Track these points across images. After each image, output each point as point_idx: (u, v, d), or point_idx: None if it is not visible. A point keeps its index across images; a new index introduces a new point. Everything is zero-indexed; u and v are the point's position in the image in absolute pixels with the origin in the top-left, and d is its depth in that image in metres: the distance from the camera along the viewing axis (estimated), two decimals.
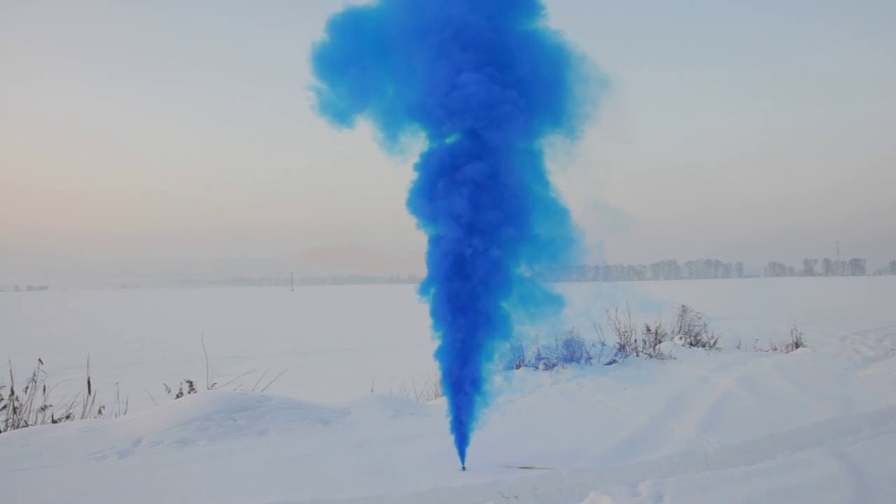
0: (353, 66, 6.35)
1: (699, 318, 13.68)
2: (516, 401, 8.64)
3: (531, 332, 11.22)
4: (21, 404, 7.42)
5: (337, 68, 6.39)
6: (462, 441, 5.71)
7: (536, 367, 10.86)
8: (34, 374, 7.63)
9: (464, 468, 5.55)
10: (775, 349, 13.59)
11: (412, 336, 23.63)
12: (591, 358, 11.44)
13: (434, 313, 5.76)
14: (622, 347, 12.19)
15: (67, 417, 7.58)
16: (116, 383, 9.49)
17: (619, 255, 12.57)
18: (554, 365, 10.93)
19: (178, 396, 8.18)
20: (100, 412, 7.93)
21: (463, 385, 5.69)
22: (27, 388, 7.56)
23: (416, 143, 6.35)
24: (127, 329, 31.23)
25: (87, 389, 8.00)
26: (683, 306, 13.65)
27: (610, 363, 11.33)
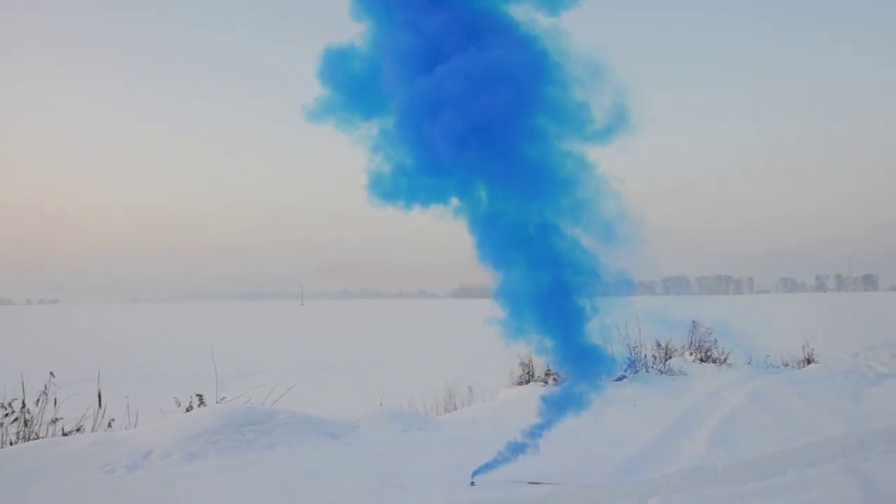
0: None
1: (710, 333, 13.60)
2: (525, 416, 8.61)
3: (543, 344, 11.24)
4: (32, 417, 7.47)
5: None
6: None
7: (546, 383, 10.83)
8: (45, 387, 7.68)
9: (472, 483, 5.54)
10: (787, 365, 13.49)
11: (421, 351, 23.63)
12: (600, 374, 11.38)
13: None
14: (632, 363, 12.14)
15: (78, 430, 7.62)
16: (127, 397, 9.52)
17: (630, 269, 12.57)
18: (563, 380, 10.89)
19: (187, 410, 8.20)
20: (109, 425, 7.97)
21: None
22: (38, 400, 7.60)
23: None
24: (138, 343, 31.36)
25: (97, 402, 8.05)
26: (694, 322, 13.57)
27: (620, 379, 11.28)
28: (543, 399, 6.38)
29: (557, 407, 6.05)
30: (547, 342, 6.15)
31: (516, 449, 5.83)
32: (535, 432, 5.98)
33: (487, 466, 5.71)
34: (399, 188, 9.51)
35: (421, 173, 8.58)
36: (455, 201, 8.83)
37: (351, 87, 9.64)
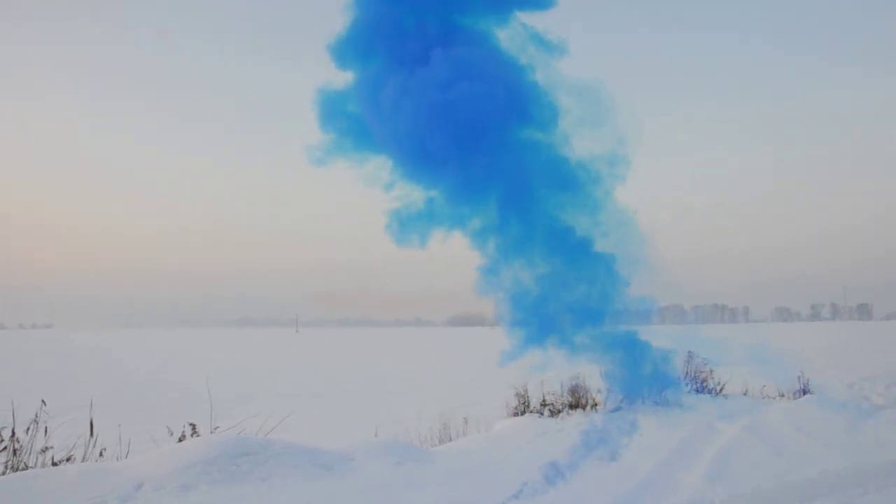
0: None
1: (705, 363, 13.55)
2: (521, 448, 8.56)
3: (537, 377, 11.27)
4: (21, 446, 7.38)
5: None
6: None
7: (542, 414, 10.78)
8: (36, 415, 7.60)
9: None
10: (782, 395, 13.45)
11: (416, 380, 23.51)
12: (596, 404, 11.35)
13: None
14: (629, 393, 12.08)
15: (68, 460, 7.52)
16: (119, 425, 9.43)
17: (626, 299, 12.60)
18: (559, 411, 10.85)
19: (180, 439, 8.12)
20: (101, 455, 7.87)
21: None
22: (28, 429, 7.51)
23: None
24: (131, 369, 31.14)
25: (89, 431, 7.96)
26: (690, 352, 13.53)
27: (616, 410, 11.23)
28: (585, 433, 6.40)
29: (605, 434, 6.05)
30: (608, 364, 6.41)
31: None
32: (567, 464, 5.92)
33: None
34: (419, 222, 9.87)
35: (444, 201, 8.93)
36: (475, 223, 9.24)
37: (352, 129, 9.84)
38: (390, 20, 10.98)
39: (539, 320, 10.55)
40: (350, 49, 11.13)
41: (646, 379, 10.20)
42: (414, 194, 10.69)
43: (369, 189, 10.42)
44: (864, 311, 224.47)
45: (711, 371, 13.43)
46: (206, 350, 51.56)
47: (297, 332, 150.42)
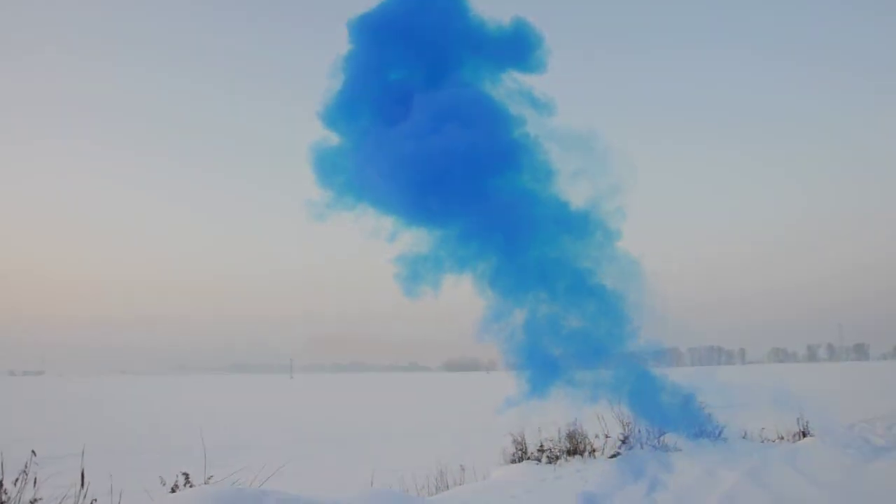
0: None
1: (704, 407, 13.45)
2: (519, 497, 8.44)
3: (534, 422, 11.19)
4: (10, 497, 7.24)
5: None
6: None
7: (539, 461, 10.65)
8: (26, 465, 7.46)
9: None
10: (782, 438, 13.32)
11: (412, 426, 23.27)
12: (594, 450, 11.23)
13: None
14: (625, 439, 11.96)
15: None
16: (111, 475, 9.27)
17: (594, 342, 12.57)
18: (557, 458, 10.72)
19: (173, 490, 7.98)
20: None
21: None
22: (17, 479, 7.37)
23: None
24: (124, 417, 30.78)
25: (80, 481, 7.82)
26: (686, 396, 13.44)
27: (614, 456, 11.10)
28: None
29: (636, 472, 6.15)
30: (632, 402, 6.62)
31: None
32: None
33: None
34: (426, 267, 10.26)
35: (446, 247, 9.32)
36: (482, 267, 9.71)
37: (350, 183, 10.17)
38: (378, 82, 11.39)
39: (543, 362, 10.71)
40: (340, 113, 11.53)
41: (676, 415, 10.45)
42: (419, 243, 11.04)
43: (373, 241, 10.75)
44: (860, 351, 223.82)
45: (710, 414, 13.33)
46: (199, 397, 51.01)
47: (291, 377, 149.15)
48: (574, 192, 11.65)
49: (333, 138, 11.93)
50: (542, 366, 10.88)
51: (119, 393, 60.08)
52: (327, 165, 11.50)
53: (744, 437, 13.22)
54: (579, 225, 11.11)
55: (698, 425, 12.42)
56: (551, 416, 11.21)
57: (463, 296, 11.61)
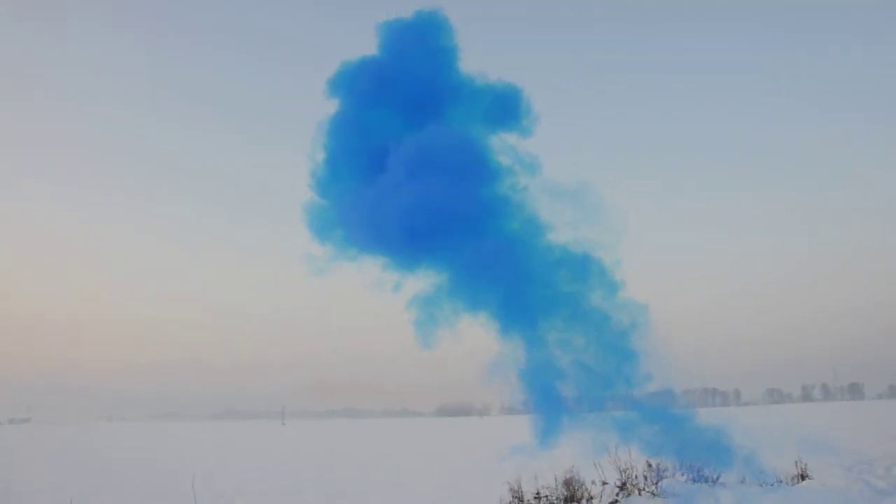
0: None
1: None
2: None
3: (532, 469, 11.09)
4: None
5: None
6: None
7: None
8: None
9: None
10: (780, 482, 13.16)
11: (407, 473, 22.93)
12: (592, 498, 11.07)
13: None
14: (623, 486, 11.79)
15: None
16: None
17: (603, 386, 12.56)
18: None
19: None
20: None
21: None
22: None
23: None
24: (113, 466, 30.28)
25: None
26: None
27: (612, 503, 10.94)
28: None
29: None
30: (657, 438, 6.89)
31: None
32: None
33: None
34: (440, 314, 10.68)
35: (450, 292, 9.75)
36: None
37: (349, 238, 10.49)
38: (363, 143, 11.81)
39: (553, 405, 10.97)
40: (329, 180, 11.97)
41: (708, 453, 10.73)
42: (425, 290, 11.49)
43: (374, 290, 11.10)
44: (855, 391, 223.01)
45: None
46: (191, 445, 50.21)
47: (283, 424, 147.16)
48: (572, 237, 11.98)
49: (330, 193, 12.24)
50: (551, 408, 11.10)
51: (108, 441, 59.05)
52: (322, 223, 11.83)
53: (741, 482, 13.05)
54: (580, 270, 11.48)
55: (732, 463, 12.59)
56: (549, 462, 11.10)
57: (454, 339, 11.68)
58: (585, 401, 11.74)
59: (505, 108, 12.91)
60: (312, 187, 12.32)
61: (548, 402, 11.33)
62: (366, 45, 14.29)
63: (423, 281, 11.75)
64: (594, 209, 11.76)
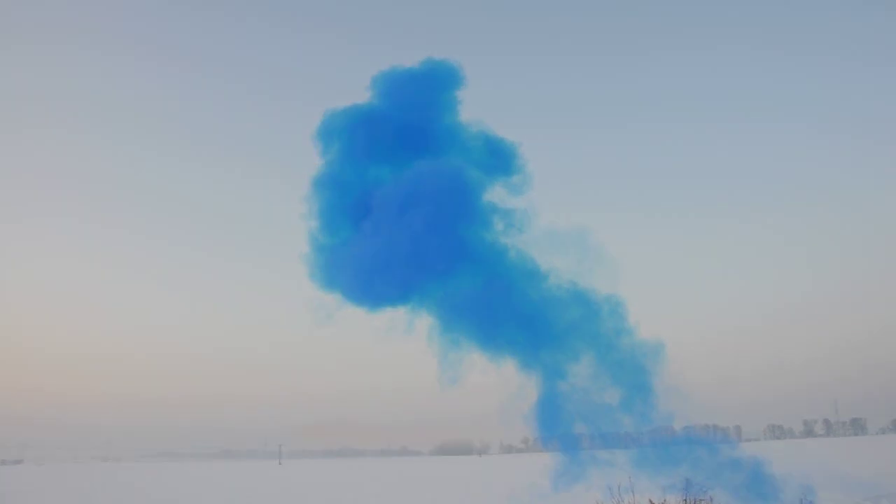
0: None
1: (705, 490, 13.01)
2: None
3: None
4: None
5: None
6: None
7: None
8: None
9: None
10: None
11: None
12: None
13: None
14: None
15: None
16: None
17: (616, 422, 12.37)
18: None
19: None
20: None
21: None
22: None
23: None
24: None
25: None
26: (688, 480, 13.02)
27: None
28: None
29: None
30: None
31: None
32: None
33: None
34: (461, 356, 10.89)
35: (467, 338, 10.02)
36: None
37: (354, 283, 10.55)
38: (354, 193, 11.91)
39: (571, 442, 11.03)
40: (326, 233, 12.05)
41: (747, 484, 10.84)
42: (438, 331, 11.63)
43: (385, 333, 11.19)
44: (857, 426, 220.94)
45: (711, 499, 12.90)
46: (186, 486, 49.38)
47: (279, 464, 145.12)
48: (580, 278, 12.04)
49: (325, 246, 12.26)
50: (567, 447, 11.11)
51: (102, 482, 58.05)
52: (323, 275, 11.91)
53: None
54: (593, 310, 11.62)
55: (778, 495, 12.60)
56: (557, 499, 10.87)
57: (461, 378, 11.64)
58: (602, 438, 11.73)
59: (499, 163, 13.04)
60: (309, 242, 12.41)
61: (564, 442, 11.32)
62: (364, 85, 14.26)
63: (432, 321, 11.88)
64: (593, 253, 11.96)
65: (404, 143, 12.68)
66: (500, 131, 13.52)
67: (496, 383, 12.01)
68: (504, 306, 10.85)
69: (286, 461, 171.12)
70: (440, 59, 13.04)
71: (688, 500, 13.00)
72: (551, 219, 12.63)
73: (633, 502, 12.19)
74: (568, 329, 11.43)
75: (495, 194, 13.21)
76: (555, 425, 11.26)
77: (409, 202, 11.57)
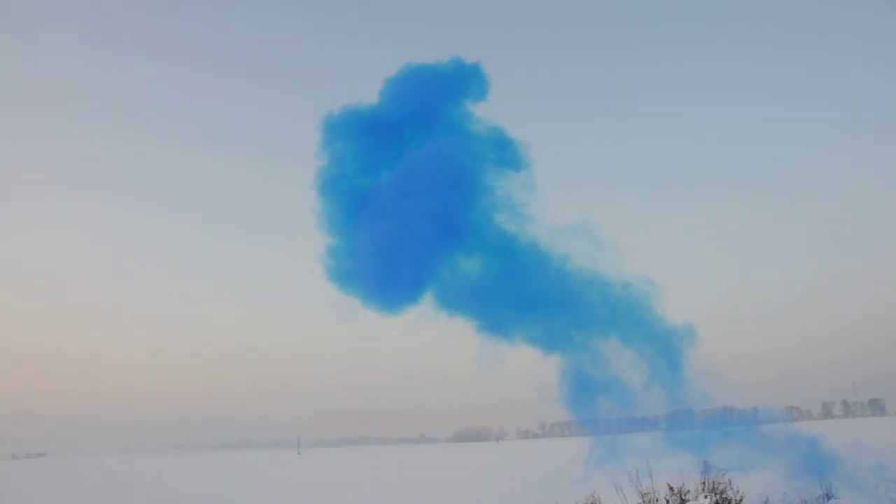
0: None
1: (723, 474, 13.14)
2: None
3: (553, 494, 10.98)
4: None
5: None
6: None
7: None
8: None
9: None
10: (806, 502, 12.96)
11: None
12: None
13: None
14: None
15: None
16: None
17: (646, 404, 12.55)
18: None
19: None
20: None
21: None
22: None
23: None
24: (137, 501, 30.29)
25: None
26: (706, 462, 13.16)
27: None
28: None
29: None
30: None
31: None
32: None
33: None
34: (500, 339, 11.28)
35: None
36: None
37: (373, 284, 10.78)
38: (358, 189, 12.04)
39: (604, 425, 11.35)
40: (335, 235, 12.17)
41: (804, 462, 11.14)
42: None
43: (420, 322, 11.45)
44: (876, 407, 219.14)
45: (730, 481, 13.03)
46: (208, 476, 50.00)
47: (298, 454, 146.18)
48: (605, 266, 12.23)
49: (340, 250, 12.42)
50: (599, 430, 11.46)
51: (126, 473, 58.83)
52: (342, 276, 12.09)
53: (766, 503, 12.88)
54: (626, 295, 11.81)
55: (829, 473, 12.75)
56: (571, 487, 11.02)
57: (467, 364, 11.83)
58: (631, 422, 12.05)
59: (503, 155, 13.12)
60: (324, 247, 12.58)
61: (596, 425, 11.63)
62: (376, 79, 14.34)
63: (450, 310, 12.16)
64: (600, 245, 12.17)
65: (415, 145, 12.78)
66: (503, 117, 13.62)
67: (513, 370, 12.26)
68: (521, 291, 11.05)
69: (305, 450, 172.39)
70: (467, 63, 13.15)
71: (706, 483, 13.15)
72: (559, 205, 12.80)
73: (650, 485, 12.37)
74: (597, 311, 11.67)
75: (501, 183, 13.29)
76: (587, 408, 11.51)
77: (410, 191, 11.70)
